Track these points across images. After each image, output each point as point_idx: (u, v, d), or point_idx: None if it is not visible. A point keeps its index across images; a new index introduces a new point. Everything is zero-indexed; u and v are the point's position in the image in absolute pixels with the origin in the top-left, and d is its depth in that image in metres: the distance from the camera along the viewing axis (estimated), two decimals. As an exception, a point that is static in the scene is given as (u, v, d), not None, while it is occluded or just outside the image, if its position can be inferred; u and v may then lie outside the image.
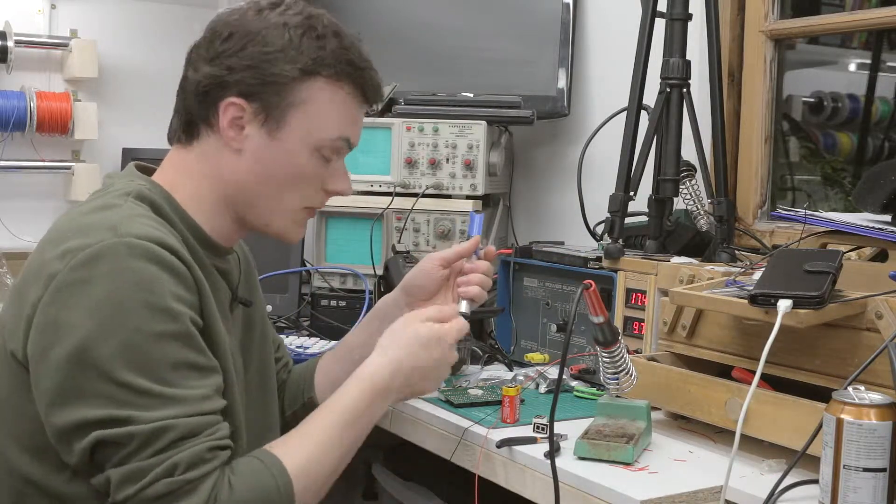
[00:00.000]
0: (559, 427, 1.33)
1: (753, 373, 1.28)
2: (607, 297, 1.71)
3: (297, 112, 1.27)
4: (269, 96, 1.26)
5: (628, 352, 1.45)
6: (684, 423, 1.49)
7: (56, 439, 1.13)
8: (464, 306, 1.49)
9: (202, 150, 1.30)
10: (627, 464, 1.32)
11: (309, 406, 1.50)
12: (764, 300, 1.27)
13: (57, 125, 2.95)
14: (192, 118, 1.30)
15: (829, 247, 1.51)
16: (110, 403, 1.09)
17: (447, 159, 2.19)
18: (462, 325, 1.37)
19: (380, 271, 2.05)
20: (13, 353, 1.17)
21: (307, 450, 1.20)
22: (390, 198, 2.18)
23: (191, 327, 1.15)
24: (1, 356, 1.20)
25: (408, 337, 1.31)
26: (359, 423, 1.25)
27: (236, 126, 1.27)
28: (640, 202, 1.84)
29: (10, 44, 2.89)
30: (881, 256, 1.57)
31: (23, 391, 1.16)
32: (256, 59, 1.25)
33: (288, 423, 1.47)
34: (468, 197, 2.19)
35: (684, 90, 1.81)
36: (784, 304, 1.24)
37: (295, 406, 1.55)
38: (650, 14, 1.83)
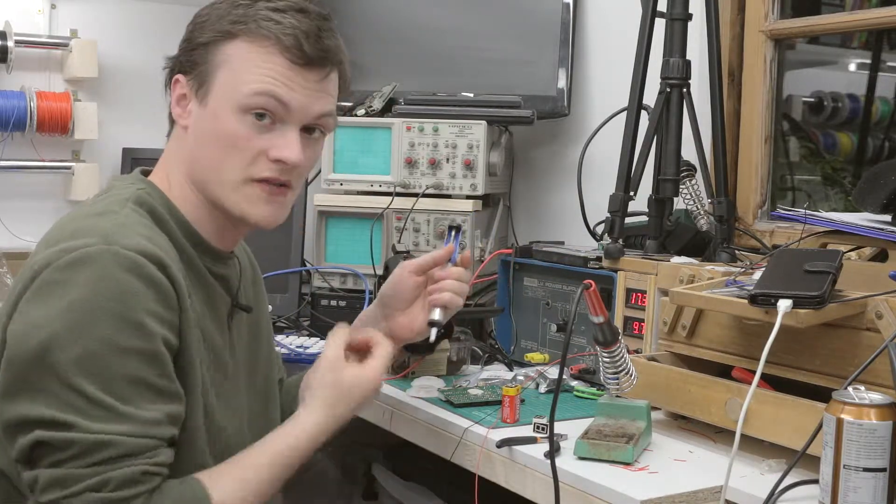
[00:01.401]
0: (559, 427, 1.33)
1: (753, 373, 1.28)
2: (607, 297, 1.71)
3: (219, 73, 1.26)
4: (197, 65, 1.28)
5: (628, 352, 1.45)
6: (684, 423, 1.49)
7: (1, 431, 1.14)
8: (436, 314, 1.49)
9: (173, 139, 1.35)
10: (627, 464, 1.32)
11: None
12: (764, 300, 1.27)
13: (57, 125, 2.95)
14: (169, 110, 1.34)
15: (829, 247, 1.51)
16: (58, 405, 1.09)
17: (447, 159, 2.19)
18: (385, 353, 1.38)
19: (380, 271, 2.05)
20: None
21: (236, 487, 1.21)
22: (390, 198, 2.18)
23: (161, 348, 1.14)
24: None
25: (333, 391, 1.33)
26: (290, 466, 1.28)
27: (182, 104, 1.30)
28: (640, 202, 1.84)
29: (10, 44, 2.89)
30: (881, 256, 1.57)
31: None
32: (190, 34, 1.30)
33: None
34: (468, 197, 2.19)
35: (684, 90, 1.81)
36: (784, 304, 1.24)
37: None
38: (650, 14, 1.83)
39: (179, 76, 1.30)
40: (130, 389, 1.11)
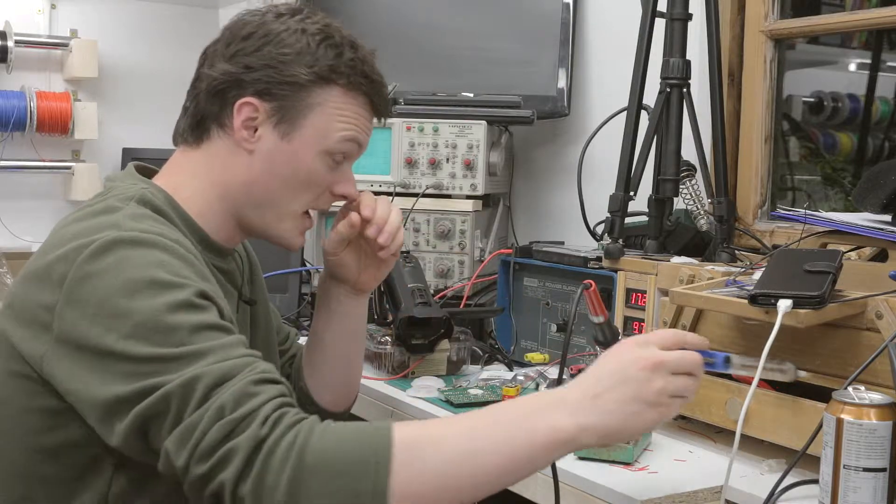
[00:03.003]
0: (559, 427, 1.32)
1: (753, 373, 1.28)
2: (607, 297, 1.71)
3: (310, 115, 1.27)
4: (283, 98, 1.26)
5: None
6: (684, 423, 1.49)
7: (99, 427, 1.10)
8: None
9: (211, 150, 1.30)
10: (627, 464, 1.32)
11: (301, 394, 1.49)
12: (764, 300, 1.27)
13: (57, 125, 2.95)
14: (203, 117, 1.29)
15: (829, 247, 1.51)
16: (138, 378, 1.05)
17: (447, 159, 2.19)
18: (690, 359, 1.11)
19: (380, 271, 2.05)
20: (18, 354, 1.15)
21: (431, 430, 1.06)
22: (390, 198, 2.18)
23: (202, 300, 1.12)
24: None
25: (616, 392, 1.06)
26: (499, 443, 1.04)
27: (249, 126, 1.27)
28: (640, 202, 1.84)
29: (10, 44, 2.90)
30: (881, 256, 1.57)
31: (28, 396, 1.15)
32: (274, 60, 1.25)
33: None
34: (468, 197, 2.19)
35: (684, 90, 1.81)
36: (784, 304, 1.23)
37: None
38: (650, 14, 1.83)
39: (253, 100, 1.26)
40: (192, 335, 1.07)
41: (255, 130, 1.27)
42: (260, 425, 1.00)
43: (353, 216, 1.38)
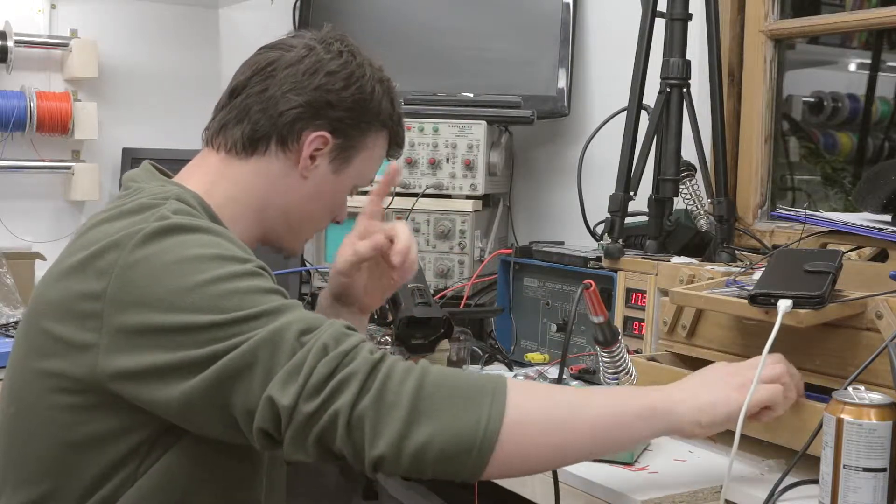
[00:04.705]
0: (559, 427, 1.32)
1: (753, 373, 1.28)
2: (607, 297, 1.71)
3: (361, 156, 1.36)
4: (351, 138, 1.33)
5: (628, 352, 1.45)
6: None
7: (153, 388, 1.08)
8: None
9: (262, 165, 1.32)
10: (627, 464, 1.32)
11: None
12: (764, 300, 1.27)
13: (57, 125, 2.95)
14: (263, 134, 1.31)
15: (829, 247, 1.51)
16: (214, 342, 1.04)
17: (447, 159, 2.19)
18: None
19: (380, 271, 2.05)
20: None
21: (541, 384, 1.19)
22: (390, 198, 2.18)
23: (265, 273, 1.15)
24: (23, 367, 1.19)
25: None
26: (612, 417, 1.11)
27: (314, 156, 1.32)
28: (640, 202, 1.84)
29: (10, 44, 2.89)
30: (881, 256, 1.57)
31: (57, 393, 1.14)
32: (356, 104, 1.32)
33: None
34: (468, 197, 2.19)
35: (684, 90, 1.81)
36: (784, 304, 1.24)
37: None
38: (650, 14, 1.83)
39: (327, 136, 1.31)
40: (266, 296, 1.08)
41: (315, 160, 1.32)
42: (369, 353, 1.03)
43: (379, 239, 1.42)
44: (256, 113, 1.30)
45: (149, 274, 1.10)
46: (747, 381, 1.16)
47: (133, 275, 1.10)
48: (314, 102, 1.30)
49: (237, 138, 1.31)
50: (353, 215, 1.47)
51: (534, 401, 1.07)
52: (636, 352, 1.65)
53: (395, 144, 1.41)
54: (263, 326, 1.05)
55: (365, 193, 1.49)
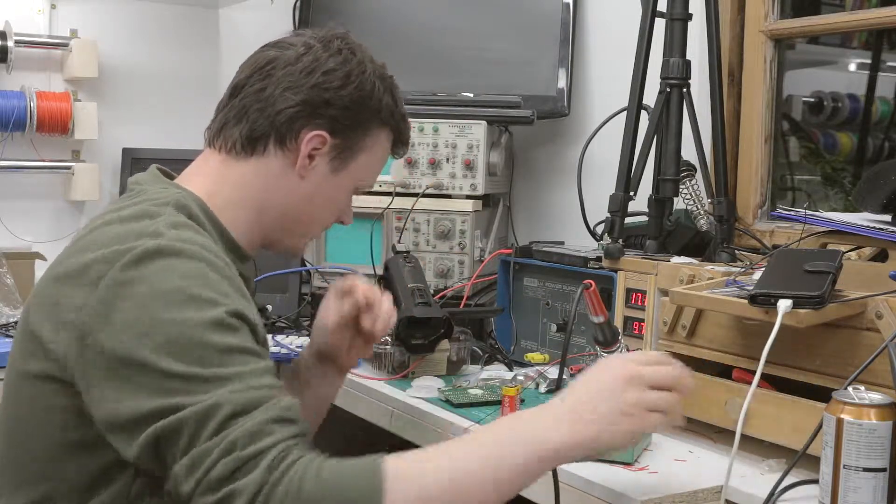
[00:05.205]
0: (559, 427, 1.32)
1: (753, 374, 1.28)
2: (607, 297, 1.71)
3: (361, 157, 1.35)
4: (350, 138, 1.33)
5: (628, 352, 1.44)
6: (684, 423, 1.48)
7: (113, 437, 1.10)
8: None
9: (261, 165, 1.32)
10: (627, 464, 1.32)
11: None
12: (764, 300, 1.27)
13: (57, 125, 2.95)
14: (262, 133, 1.31)
15: (829, 247, 1.51)
16: (160, 394, 1.06)
17: (447, 159, 2.19)
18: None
19: (380, 271, 2.05)
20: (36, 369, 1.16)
21: (420, 458, 1.08)
22: (390, 198, 2.18)
23: (236, 321, 1.12)
24: (18, 368, 1.20)
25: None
26: (503, 463, 1.07)
27: (312, 156, 1.32)
28: (640, 202, 1.84)
29: (10, 44, 2.89)
30: (881, 256, 1.57)
31: (50, 395, 1.15)
32: (354, 102, 1.31)
33: None
34: (468, 197, 2.19)
35: (684, 90, 1.81)
36: (784, 304, 1.24)
37: None
38: (650, 14, 1.83)
39: (325, 135, 1.30)
40: (221, 357, 1.08)
41: (313, 159, 1.32)
42: (264, 470, 1.02)
43: (360, 299, 1.44)
44: (254, 112, 1.30)
45: (127, 300, 1.10)
46: (636, 411, 1.10)
47: (114, 297, 1.11)
48: (311, 101, 1.29)
49: (236, 138, 1.31)
50: (358, 216, 1.49)
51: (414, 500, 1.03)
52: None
53: (399, 142, 1.41)
54: (204, 394, 1.05)
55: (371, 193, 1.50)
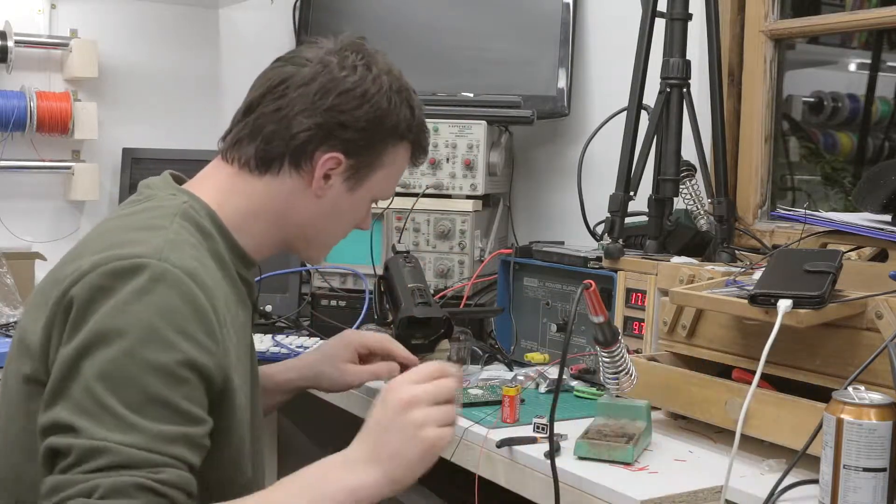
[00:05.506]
0: (559, 427, 1.33)
1: (753, 373, 1.28)
2: (607, 297, 1.71)
3: (378, 173, 1.37)
4: (366, 157, 1.33)
5: (628, 352, 1.45)
6: (684, 423, 1.49)
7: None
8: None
9: (275, 184, 1.32)
10: (627, 464, 1.32)
11: None
12: (764, 300, 1.27)
13: (57, 125, 2.95)
14: (276, 154, 1.30)
15: (829, 247, 1.51)
16: (73, 409, 1.06)
17: (447, 159, 2.19)
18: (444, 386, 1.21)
19: (380, 271, 2.05)
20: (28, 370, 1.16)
21: None
22: (390, 198, 2.17)
23: (189, 372, 1.10)
24: (13, 376, 1.20)
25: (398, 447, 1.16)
26: None
27: (327, 176, 1.32)
28: (640, 202, 1.84)
29: (10, 44, 2.89)
30: (881, 256, 1.57)
31: (33, 398, 1.15)
32: (370, 123, 1.31)
33: None
34: (468, 197, 2.19)
35: (684, 90, 1.81)
36: (784, 304, 1.24)
37: None
38: (650, 14, 1.83)
39: (340, 156, 1.31)
40: (147, 404, 1.07)
41: (329, 179, 1.32)
42: None
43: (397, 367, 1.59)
44: (269, 133, 1.29)
45: (90, 309, 1.10)
46: (427, 432, 1.15)
47: (90, 299, 1.10)
48: (326, 124, 1.29)
49: (251, 155, 1.31)
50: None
51: None
52: (636, 352, 1.65)
53: (418, 152, 1.42)
54: (105, 433, 1.04)
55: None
